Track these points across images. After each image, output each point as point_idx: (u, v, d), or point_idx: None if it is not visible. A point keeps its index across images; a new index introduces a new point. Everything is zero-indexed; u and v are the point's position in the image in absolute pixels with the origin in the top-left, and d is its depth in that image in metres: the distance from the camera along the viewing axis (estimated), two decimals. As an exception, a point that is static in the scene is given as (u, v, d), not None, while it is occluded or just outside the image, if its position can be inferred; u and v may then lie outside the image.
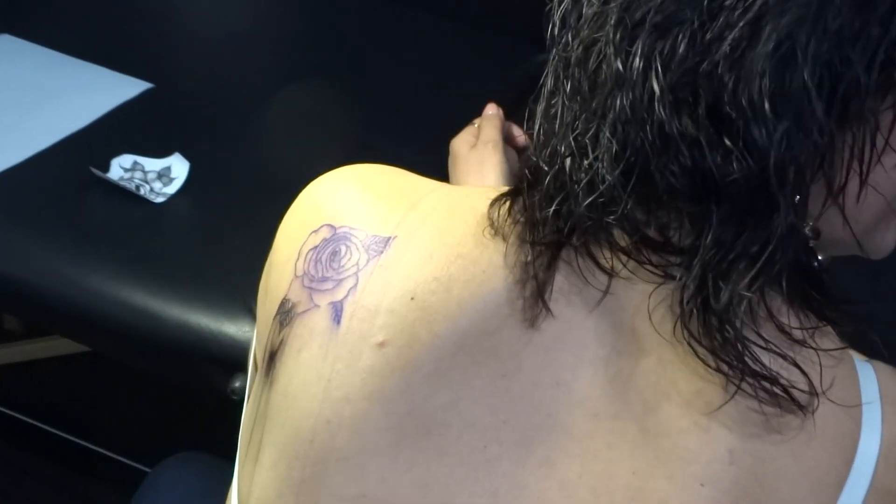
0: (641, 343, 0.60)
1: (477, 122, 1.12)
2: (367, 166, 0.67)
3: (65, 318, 1.16)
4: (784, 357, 0.58)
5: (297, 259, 0.63)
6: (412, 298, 0.59)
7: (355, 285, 0.60)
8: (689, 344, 0.57)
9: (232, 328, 1.08)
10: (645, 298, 0.59)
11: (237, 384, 1.06)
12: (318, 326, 0.60)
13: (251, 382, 0.75)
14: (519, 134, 1.12)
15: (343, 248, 0.62)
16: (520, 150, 1.10)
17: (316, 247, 0.63)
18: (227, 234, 1.19)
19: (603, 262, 0.59)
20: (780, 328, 0.59)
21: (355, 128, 1.33)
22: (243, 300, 1.10)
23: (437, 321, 0.59)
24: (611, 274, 0.59)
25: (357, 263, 0.61)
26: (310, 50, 1.54)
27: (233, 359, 1.07)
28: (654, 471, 0.58)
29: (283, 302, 0.63)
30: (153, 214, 1.20)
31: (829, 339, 0.62)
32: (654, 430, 0.58)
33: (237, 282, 1.12)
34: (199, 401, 1.45)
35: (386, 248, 0.61)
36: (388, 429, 0.58)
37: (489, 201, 0.62)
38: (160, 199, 1.22)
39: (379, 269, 0.60)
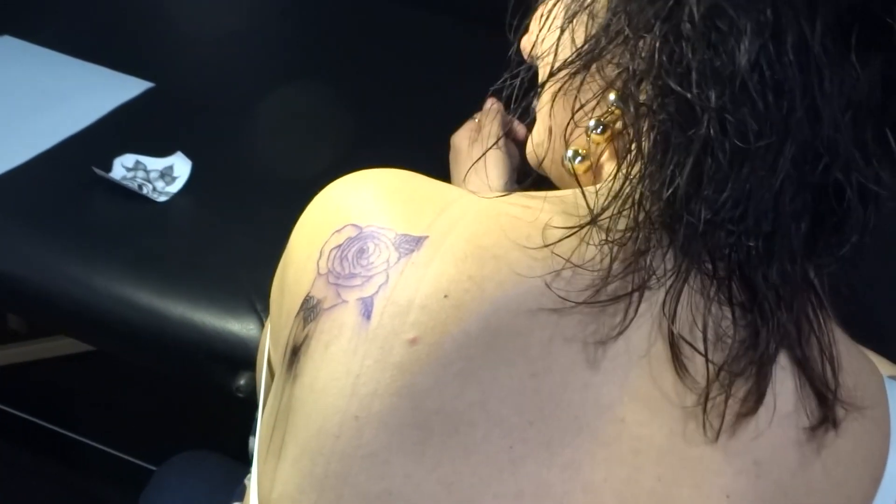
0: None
1: (478, 116, 1.12)
2: (388, 171, 0.66)
3: (69, 317, 1.16)
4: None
5: (319, 258, 0.63)
6: (445, 296, 0.59)
7: (386, 282, 0.60)
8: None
9: (236, 325, 1.09)
10: (686, 308, 0.59)
11: (242, 381, 1.06)
12: (347, 322, 0.60)
13: (264, 384, 0.75)
14: (520, 128, 1.12)
15: (371, 246, 0.61)
16: (521, 144, 1.10)
17: (340, 245, 0.62)
18: (231, 231, 1.19)
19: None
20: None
21: (357, 125, 1.33)
22: (247, 298, 1.10)
23: (469, 319, 0.58)
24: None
25: (387, 261, 0.60)
26: (310, 49, 1.54)
27: (237, 356, 1.08)
28: (679, 479, 0.58)
29: (307, 299, 0.62)
30: (156, 214, 1.20)
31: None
32: (681, 439, 0.58)
33: (241, 279, 1.12)
34: (204, 399, 1.45)
35: (418, 246, 0.60)
36: (415, 426, 0.58)
37: (521, 207, 0.62)
38: (163, 199, 1.22)
39: (411, 266, 0.60)
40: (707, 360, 0.58)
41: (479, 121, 1.10)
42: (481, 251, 0.60)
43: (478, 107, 1.12)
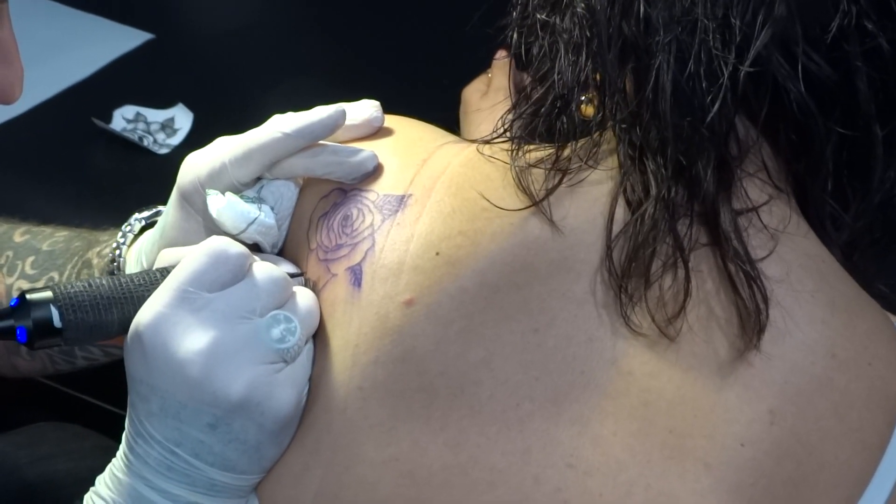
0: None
1: (489, 71, 1.11)
2: None
3: (67, 271, 1.15)
4: None
5: (308, 228, 0.63)
6: (437, 254, 0.58)
7: (372, 246, 0.59)
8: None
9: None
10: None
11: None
12: (338, 296, 0.60)
13: None
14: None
15: (355, 212, 0.61)
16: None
17: (326, 213, 0.62)
18: (232, 185, 1.17)
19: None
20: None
21: (364, 79, 1.31)
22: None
23: (464, 276, 0.58)
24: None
25: (371, 225, 0.60)
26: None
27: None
28: (692, 430, 0.57)
29: (305, 281, 0.62)
30: (157, 166, 1.18)
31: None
32: (692, 389, 0.58)
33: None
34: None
35: (401, 206, 0.60)
36: (420, 389, 0.58)
37: (506, 151, 0.62)
38: (164, 151, 1.21)
39: (396, 227, 0.59)
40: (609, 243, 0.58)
41: (490, 75, 1.10)
42: (470, 203, 0.59)
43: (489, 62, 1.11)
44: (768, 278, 0.58)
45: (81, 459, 0.92)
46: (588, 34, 0.60)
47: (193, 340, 0.56)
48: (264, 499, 0.60)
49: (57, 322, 0.58)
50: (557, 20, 0.62)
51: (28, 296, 0.59)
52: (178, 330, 0.57)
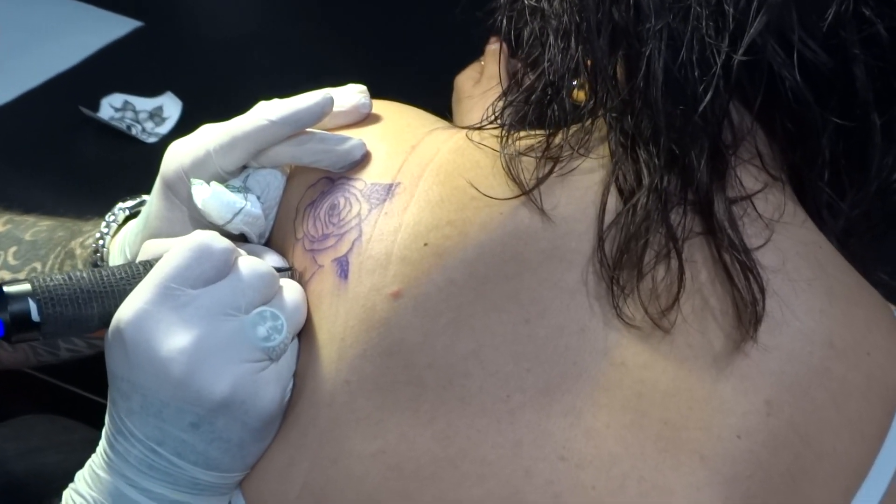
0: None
1: (483, 58, 1.11)
2: None
3: (55, 261, 1.14)
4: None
5: (295, 217, 0.62)
6: (425, 244, 0.57)
7: (359, 237, 0.59)
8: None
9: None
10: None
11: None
12: (324, 288, 0.59)
13: None
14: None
15: (342, 201, 0.60)
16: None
17: (313, 202, 0.62)
18: (221, 174, 1.16)
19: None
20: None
21: (354, 66, 1.30)
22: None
23: (453, 267, 0.57)
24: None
25: (359, 214, 0.59)
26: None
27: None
28: (687, 422, 0.56)
29: (291, 273, 0.62)
30: (145, 154, 1.17)
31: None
32: (687, 381, 0.57)
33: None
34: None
35: (389, 195, 0.59)
36: (408, 382, 0.57)
37: (497, 138, 0.61)
38: (152, 139, 1.20)
39: (384, 216, 0.59)
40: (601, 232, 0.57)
41: (483, 62, 1.09)
42: (459, 192, 0.58)
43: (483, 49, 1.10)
44: (764, 268, 0.57)
45: (70, 452, 0.92)
46: (577, 19, 0.59)
47: (176, 338, 0.55)
48: (249, 494, 0.60)
49: (35, 316, 0.57)
50: (546, 5, 0.60)
51: (5, 288, 0.58)
52: (160, 327, 0.56)
